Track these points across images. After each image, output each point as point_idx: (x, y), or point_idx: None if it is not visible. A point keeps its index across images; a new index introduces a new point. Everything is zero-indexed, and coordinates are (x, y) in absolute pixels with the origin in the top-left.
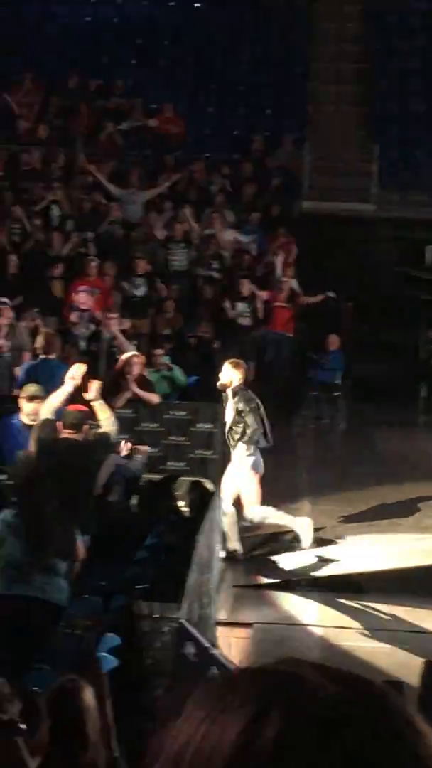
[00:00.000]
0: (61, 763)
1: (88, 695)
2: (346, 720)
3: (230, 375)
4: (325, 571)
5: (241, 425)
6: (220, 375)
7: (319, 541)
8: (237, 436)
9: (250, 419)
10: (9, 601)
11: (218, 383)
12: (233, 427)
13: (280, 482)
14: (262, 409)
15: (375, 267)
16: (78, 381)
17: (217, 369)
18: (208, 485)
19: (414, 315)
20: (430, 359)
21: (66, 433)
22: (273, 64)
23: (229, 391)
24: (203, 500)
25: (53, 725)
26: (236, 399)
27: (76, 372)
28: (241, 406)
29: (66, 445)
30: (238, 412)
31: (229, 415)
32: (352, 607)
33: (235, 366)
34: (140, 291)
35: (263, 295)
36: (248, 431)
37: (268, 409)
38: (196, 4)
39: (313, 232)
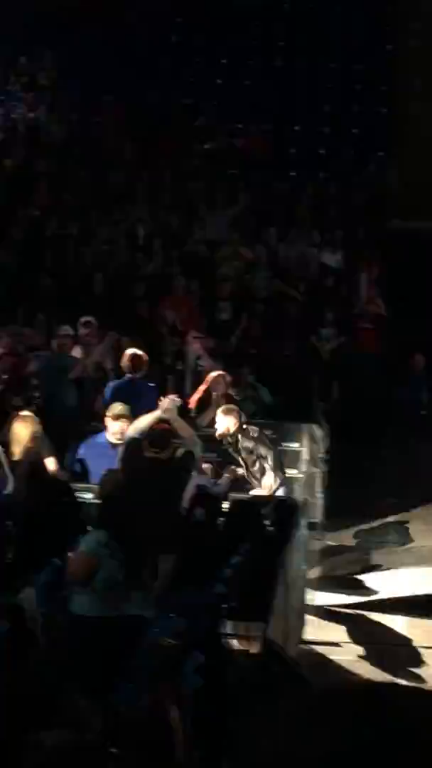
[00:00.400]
0: None
1: (175, 716)
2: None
3: (225, 423)
4: (411, 591)
5: (257, 462)
6: (216, 426)
7: (406, 561)
8: (259, 475)
9: (262, 451)
10: (109, 620)
11: (216, 434)
12: (250, 469)
13: (368, 504)
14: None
15: None
16: (171, 414)
17: (302, 388)
18: (294, 504)
19: None
20: None
21: (151, 453)
22: (359, 81)
23: (230, 439)
24: (289, 519)
25: (140, 744)
26: (240, 441)
27: (169, 405)
28: (248, 444)
29: (151, 465)
30: (249, 452)
31: (243, 461)
32: None
33: (227, 412)
34: (226, 315)
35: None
36: (266, 464)
37: (355, 430)
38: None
39: (401, 251)
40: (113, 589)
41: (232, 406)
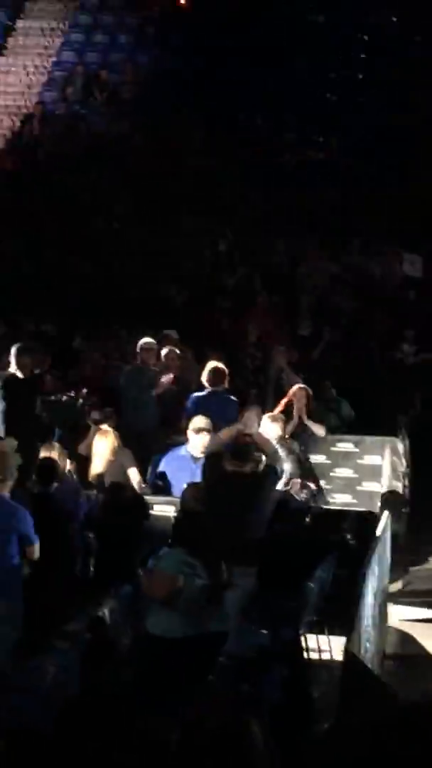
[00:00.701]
0: None
1: (257, 731)
2: None
3: (269, 430)
4: None
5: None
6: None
7: None
8: None
9: (286, 466)
10: (191, 639)
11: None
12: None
13: None
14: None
15: None
16: (253, 427)
17: (384, 402)
18: (376, 517)
19: None
20: None
21: (233, 466)
22: None
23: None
24: (371, 532)
25: (218, 761)
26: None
27: (250, 418)
28: (282, 455)
29: (233, 478)
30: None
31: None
32: None
33: (274, 420)
34: (306, 330)
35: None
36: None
37: None
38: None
39: None
40: (195, 609)
41: (279, 414)
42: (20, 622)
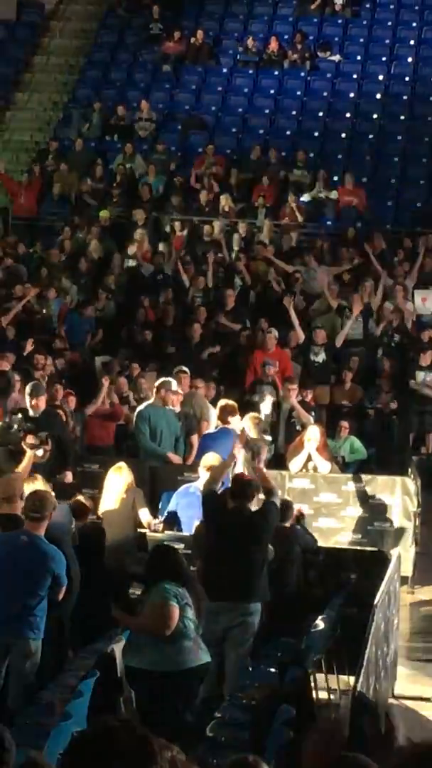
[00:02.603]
0: None
1: None
2: None
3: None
4: None
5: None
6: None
7: None
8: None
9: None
10: (189, 671)
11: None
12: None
13: None
14: None
15: None
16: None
17: (396, 441)
18: (385, 557)
19: None
20: None
21: (234, 504)
22: None
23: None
24: (381, 572)
25: None
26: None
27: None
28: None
29: (234, 517)
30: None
31: None
32: None
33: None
34: (320, 358)
35: None
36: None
37: None
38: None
39: None
40: (191, 641)
41: (258, 415)
42: (38, 659)
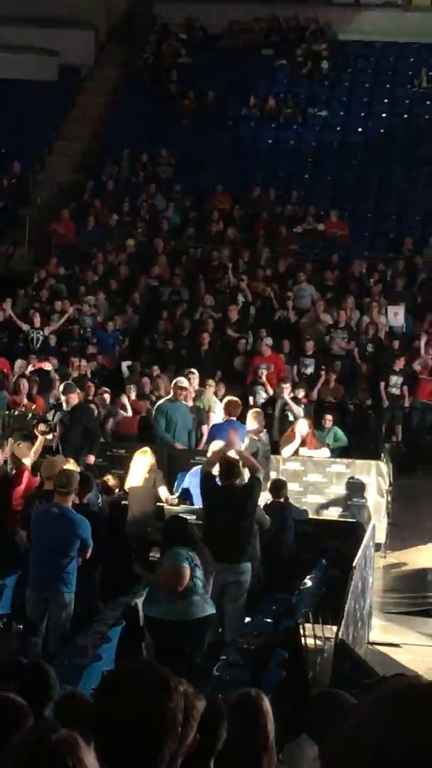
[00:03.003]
0: (241, 760)
1: (266, 704)
2: None
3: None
4: None
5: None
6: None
7: None
8: None
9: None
10: (196, 621)
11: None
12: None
13: (425, 529)
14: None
15: None
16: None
17: (372, 432)
18: (362, 527)
19: None
20: None
21: (224, 481)
22: (425, 181)
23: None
24: (359, 540)
25: (235, 725)
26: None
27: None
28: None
29: (225, 492)
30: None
31: None
32: None
33: (255, 416)
34: (309, 369)
35: (414, 368)
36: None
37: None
38: (357, 137)
39: None
40: (199, 596)
41: (259, 410)
42: (72, 610)
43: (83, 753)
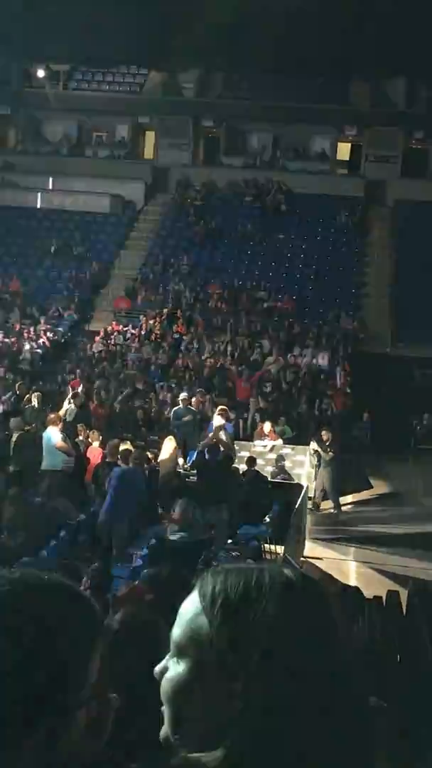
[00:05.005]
0: None
1: None
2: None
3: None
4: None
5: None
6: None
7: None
8: None
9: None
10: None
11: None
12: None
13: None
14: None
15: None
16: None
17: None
18: (301, 486)
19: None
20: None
21: (209, 456)
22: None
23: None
24: (300, 493)
25: None
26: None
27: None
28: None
29: (210, 464)
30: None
31: None
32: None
33: (220, 413)
34: (268, 390)
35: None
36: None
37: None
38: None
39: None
40: (197, 527)
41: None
42: (126, 534)
43: None
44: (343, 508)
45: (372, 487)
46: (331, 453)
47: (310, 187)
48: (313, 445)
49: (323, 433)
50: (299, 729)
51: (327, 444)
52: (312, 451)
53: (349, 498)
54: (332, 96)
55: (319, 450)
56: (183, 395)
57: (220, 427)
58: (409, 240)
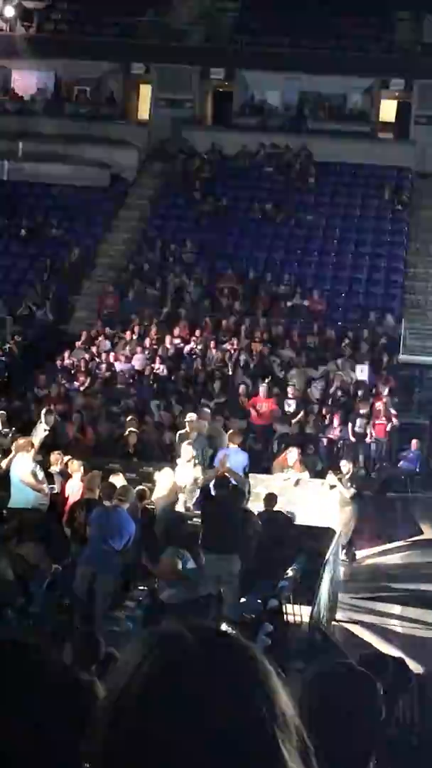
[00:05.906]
0: None
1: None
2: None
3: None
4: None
5: None
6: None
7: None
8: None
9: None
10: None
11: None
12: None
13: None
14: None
15: None
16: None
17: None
18: (334, 532)
19: None
20: None
21: (216, 492)
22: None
23: None
24: (329, 543)
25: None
26: None
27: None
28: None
29: (217, 499)
30: None
31: None
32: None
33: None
34: (292, 408)
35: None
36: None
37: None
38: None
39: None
40: (189, 582)
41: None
42: (112, 590)
43: None
44: (387, 559)
45: (422, 533)
46: (352, 489)
47: (346, 154)
48: (330, 479)
49: (342, 463)
50: None
51: (348, 477)
52: (329, 487)
53: (393, 545)
54: (372, 39)
55: (338, 486)
56: (191, 416)
57: (227, 456)
58: None
